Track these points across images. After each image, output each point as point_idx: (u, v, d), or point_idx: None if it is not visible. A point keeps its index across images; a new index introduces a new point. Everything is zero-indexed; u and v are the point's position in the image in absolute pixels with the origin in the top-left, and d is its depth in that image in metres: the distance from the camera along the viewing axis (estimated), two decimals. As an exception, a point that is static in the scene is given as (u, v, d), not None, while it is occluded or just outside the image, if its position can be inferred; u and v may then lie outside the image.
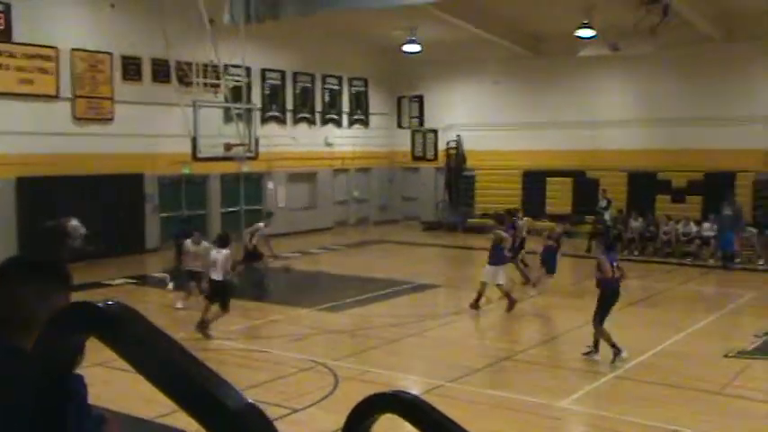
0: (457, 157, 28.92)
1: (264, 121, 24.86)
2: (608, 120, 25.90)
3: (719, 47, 23.50)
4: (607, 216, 23.09)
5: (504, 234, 14.20)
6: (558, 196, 26.89)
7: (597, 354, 10.16)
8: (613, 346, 9.91)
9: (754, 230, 20.54)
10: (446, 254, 23.74)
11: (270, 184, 25.46)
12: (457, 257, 23.17)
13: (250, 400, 1.13)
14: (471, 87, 28.87)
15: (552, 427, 8.14)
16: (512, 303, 13.45)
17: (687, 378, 9.54)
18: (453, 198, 28.92)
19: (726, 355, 10.67)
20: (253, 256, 15.75)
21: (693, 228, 21.43)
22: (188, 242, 13.78)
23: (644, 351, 10.80)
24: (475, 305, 13.60)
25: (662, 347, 11.14)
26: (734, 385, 9.37)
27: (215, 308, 11.52)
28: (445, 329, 12.75)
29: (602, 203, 23.83)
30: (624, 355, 9.94)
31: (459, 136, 28.72)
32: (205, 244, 13.36)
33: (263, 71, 24.97)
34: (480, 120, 28.15)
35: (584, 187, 26.09)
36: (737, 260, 19.94)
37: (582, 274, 18.57)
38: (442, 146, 29.49)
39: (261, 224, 16.36)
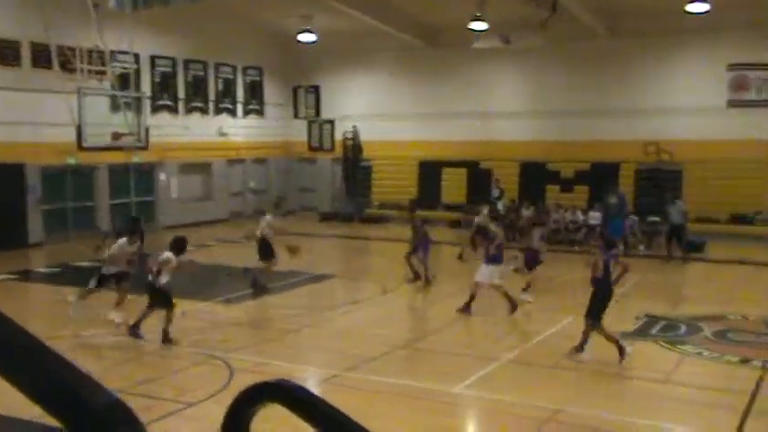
0: (354, 148, 28.95)
1: (155, 109, 24.09)
2: (501, 111, 26.53)
3: (604, 42, 24.50)
4: (500, 205, 23.66)
5: (500, 231, 13.34)
6: (454, 186, 27.37)
7: (583, 352, 9.81)
8: (617, 343, 9.60)
9: (636, 218, 21.54)
10: (343, 244, 23.75)
11: (162, 175, 24.73)
12: (354, 248, 23.24)
13: (115, 397, 1.05)
14: (368, 78, 28.94)
15: (445, 412, 8.27)
16: (513, 306, 12.36)
17: (575, 361, 9.91)
18: (350, 189, 28.96)
19: (611, 338, 11.18)
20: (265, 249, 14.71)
21: (580, 216, 22.30)
22: (122, 241, 12.17)
23: (536, 334, 11.15)
24: (467, 309, 12.40)
25: (553, 331, 11.52)
26: (618, 365, 9.81)
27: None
28: (343, 320, 12.75)
29: (495, 193, 24.44)
30: (629, 350, 9.64)
31: (355, 127, 28.74)
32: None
33: (153, 58, 24.16)
34: (377, 110, 28.26)
35: (479, 177, 26.67)
36: (622, 247, 20.86)
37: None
38: (338, 137, 29.44)
39: (269, 216, 15.34)
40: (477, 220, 18.15)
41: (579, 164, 25.15)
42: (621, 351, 9.54)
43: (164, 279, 10.61)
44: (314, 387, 9.16)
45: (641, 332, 11.63)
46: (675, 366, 9.88)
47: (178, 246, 11.06)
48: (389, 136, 27.84)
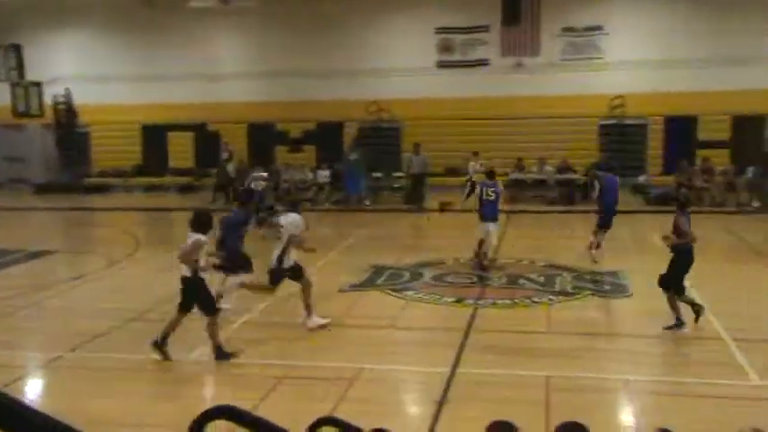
0: (67, 113, 26.84)
1: None
2: (225, 72, 26.11)
3: (324, 4, 25.03)
4: (230, 168, 23.42)
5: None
6: (181, 150, 26.58)
7: (685, 326, 9.18)
8: (679, 317, 9.20)
9: (381, 174, 22.66)
10: (64, 217, 22.10)
11: None
12: (76, 220, 21.69)
13: None
14: (79, 37, 26.87)
15: (189, 382, 8.12)
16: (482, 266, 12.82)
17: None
18: (66, 157, 26.89)
19: (340, 290, 11.66)
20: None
21: (309, 175, 22.84)
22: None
23: (275, 294, 11.25)
24: (481, 263, 12.84)
25: (285, 290, 11.72)
26: (349, 316, 10.29)
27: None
28: (65, 297, 11.88)
29: (224, 155, 24.13)
30: (686, 330, 9.19)
31: (68, 89, 26.62)
32: None
33: None
34: (92, 72, 26.43)
35: (206, 140, 26.16)
36: (367, 202, 21.82)
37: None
38: (48, 100, 27.06)
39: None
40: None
41: (306, 124, 25.66)
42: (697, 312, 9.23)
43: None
44: (35, 373, 8.47)
45: (369, 282, 12.27)
46: (400, 311, 10.57)
47: (201, 222, 8.50)
48: (107, 99, 26.22)
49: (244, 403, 6.65)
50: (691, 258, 9.26)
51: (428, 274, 12.74)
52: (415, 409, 7.45)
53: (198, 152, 26.57)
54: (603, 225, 13.97)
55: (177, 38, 26.06)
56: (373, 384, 7.78)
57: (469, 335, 9.31)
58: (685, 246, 9.19)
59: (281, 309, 10.51)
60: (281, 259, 9.53)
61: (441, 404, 7.08)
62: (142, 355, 8.52)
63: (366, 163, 22.37)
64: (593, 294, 11.27)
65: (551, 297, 11.10)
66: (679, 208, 9.44)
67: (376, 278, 12.51)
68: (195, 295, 8.43)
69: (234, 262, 10.15)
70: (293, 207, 10.31)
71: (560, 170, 22.46)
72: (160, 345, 8.45)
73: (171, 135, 26.59)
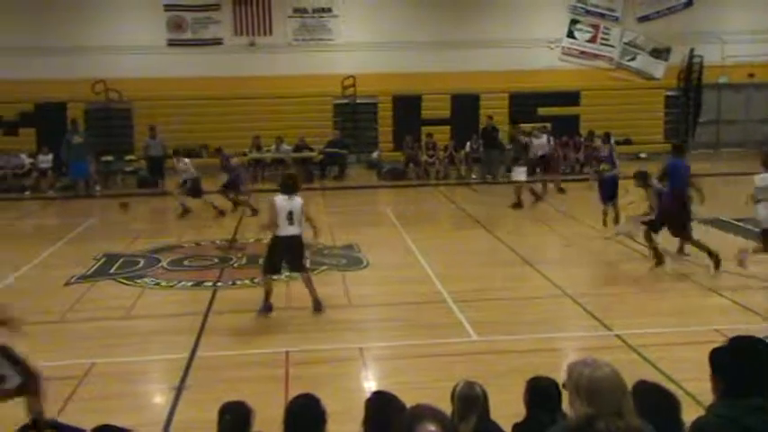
0: None
1: None
2: None
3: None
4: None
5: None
6: None
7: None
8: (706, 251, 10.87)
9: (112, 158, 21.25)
10: None
11: None
12: None
13: None
14: None
15: None
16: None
17: (28, 313, 9.30)
18: None
19: (66, 283, 10.83)
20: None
21: (27, 160, 20.98)
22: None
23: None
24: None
25: (2, 285, 10.67)
26: (74, 309, 9.59)
27: None
28: None
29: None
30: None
31: None
32: None
33: None
34: None
35: None
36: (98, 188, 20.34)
37: None
38: None
39: None
40: None
41: (23, 105, 23.40)
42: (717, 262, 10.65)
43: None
44: None
45: (100, 272, 11.54)
46: (135, 300, 10.06)
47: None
48: None
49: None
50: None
51: (165, 259, 12.27)
52: (152, 399, 7.15)
53: None
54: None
55: None
56: (106, 379, 7.33)
57: (208, 318, 9.13)
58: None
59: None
60: None
61: (179, 391, 6.87)
62: None
63: (93, 146, 20.86)
64: (329, 269, 11.57)
65: (288, 274, 11.19)
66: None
67: (107, 267, 11.79)
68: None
69: None
70: None
71: (297, 148, 22.79)
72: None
73: None
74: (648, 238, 11.06)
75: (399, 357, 7.87)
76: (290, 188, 8.96)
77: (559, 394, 4.05)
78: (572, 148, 23.18)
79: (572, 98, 25.48)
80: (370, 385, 7.09)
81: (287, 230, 8.84)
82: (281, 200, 8.88)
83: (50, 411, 6.00)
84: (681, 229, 11.04)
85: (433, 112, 24.97)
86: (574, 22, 26.06)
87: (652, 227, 11.01)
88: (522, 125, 19.36)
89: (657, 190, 11.20)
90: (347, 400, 5.52)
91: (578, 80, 25.65)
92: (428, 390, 5.25)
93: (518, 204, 16.56)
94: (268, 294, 9.22)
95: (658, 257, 11.01)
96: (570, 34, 26.05)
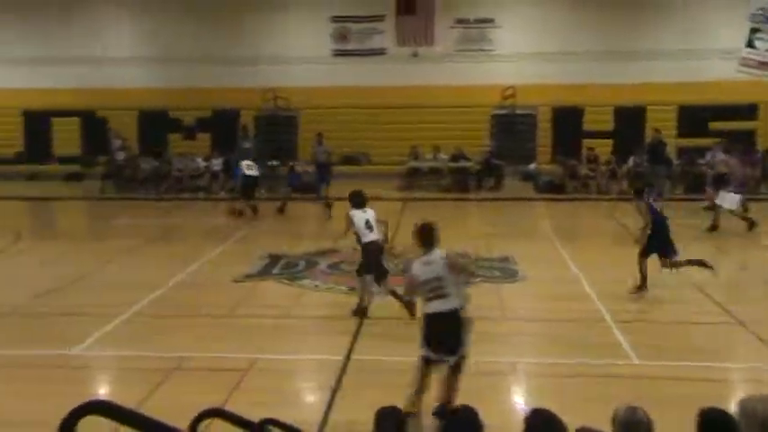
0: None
1: None
2: (115, 57, 25.15)
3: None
4: (122, 156, 22.71)
5: None
6: (66, 137, 25.48)
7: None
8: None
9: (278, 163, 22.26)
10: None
11: None
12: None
13: None
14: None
15: (68, 377, 7.75)
16: None
17: (198, 307, 9.96)
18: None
19: (234, 280, 11.45)
20: None
21: (202, 163, 22.35)
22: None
23: (159, 286, 10.93)
24: None
25: (176, 281, 11.43)
26: (241, 305, 10.12)
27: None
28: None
29: (117, 144, 23.33)
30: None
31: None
32: None
33: None
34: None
35: (94, 127, 25.18)
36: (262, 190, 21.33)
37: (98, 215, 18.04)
38: None
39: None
40: None
41: (201, 111, 25.07)
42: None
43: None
44: None
45: (264, 271, 12.11)
46: (295, 301, 10.48)
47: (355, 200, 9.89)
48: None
49: (131, 398, 6.45)
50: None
51: (323, 262, 12.68)
52: (309, 397, 7.40)
53: (85, 139, 25.51)
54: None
55: (61, 19, 24.88)
56: (268, 374, 7.67)
57: (364, 322, 9.34)
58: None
59: (170, 300, 10.23)
60: None
61: (335, 391, 7.06)
62: (17, 351, 8.10)
63: (260, 151, 21.94)
64: (484, 280, 11.48)
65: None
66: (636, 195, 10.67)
67: (271, 267, 12.36)
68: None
69: None
70: None
71: (454, 158, 22.86)
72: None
73: (56, 121, 25.41)
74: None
75: (552, 375, 7.68)
76: (360, 203, 9.81)
77: (735, 429, 3.79)
78: (748, 165, 21.68)
79: (748, 111, 23.90)
80: (524, 401, 6.97)
81: (368, 237, 9.61)
82: (357, 213, 9.68)
83: (217, 401, 6.34)
84: None
85: (594, 125, 24.25)
86: (754, 30, 24.41)
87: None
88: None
89: None
90: (502, 414, 5.46)
91: (755, 92, 24.01)
92: (583, 412, 5.08)
93: (714, 227, 15.36)
94: (362, 299, 9.72)
95: None
96: (750, 43, 24.43)
